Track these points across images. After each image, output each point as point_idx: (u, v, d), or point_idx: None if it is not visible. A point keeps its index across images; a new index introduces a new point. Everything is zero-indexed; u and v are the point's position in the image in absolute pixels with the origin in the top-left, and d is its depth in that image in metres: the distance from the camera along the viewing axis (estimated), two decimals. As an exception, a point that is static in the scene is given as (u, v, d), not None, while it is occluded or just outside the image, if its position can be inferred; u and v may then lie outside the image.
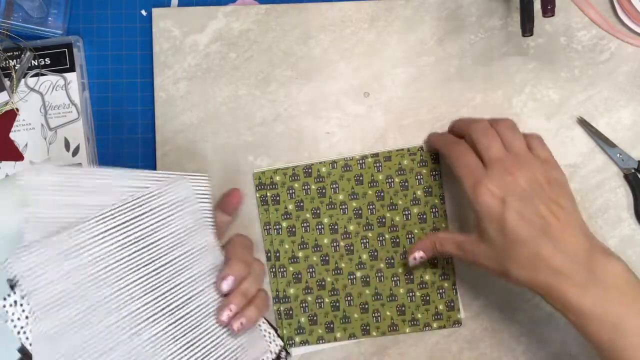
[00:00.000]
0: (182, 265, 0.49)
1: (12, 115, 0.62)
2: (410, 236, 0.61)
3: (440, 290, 0.61)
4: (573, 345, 0.61)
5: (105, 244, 0.46)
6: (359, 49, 0.64)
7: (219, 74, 0.64)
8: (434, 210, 0.61)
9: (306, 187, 0.61)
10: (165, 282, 0.48)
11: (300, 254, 0.60)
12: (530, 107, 0.64)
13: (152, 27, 0.64)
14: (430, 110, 0.64)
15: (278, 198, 0.61)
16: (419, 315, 0.60)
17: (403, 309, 0.61)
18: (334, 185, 0.61)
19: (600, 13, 0.65)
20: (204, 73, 0.64)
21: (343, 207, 0.61)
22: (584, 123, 0.64)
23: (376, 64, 0.64)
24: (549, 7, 0.58)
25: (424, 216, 0.61)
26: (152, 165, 0.63)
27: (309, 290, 0.60)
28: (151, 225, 0.48)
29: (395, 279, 0.61)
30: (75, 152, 0.62)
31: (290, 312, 0.60)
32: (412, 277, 0.61)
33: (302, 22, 0.64)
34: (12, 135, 0.62)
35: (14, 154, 0.62)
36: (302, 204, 0.61)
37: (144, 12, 0.65)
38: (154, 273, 0.48)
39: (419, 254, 0.57)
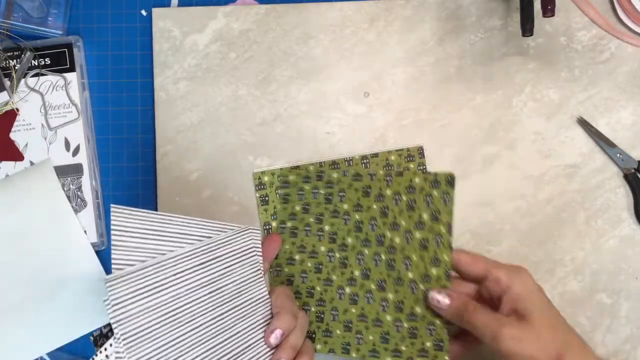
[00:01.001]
0: (243, 313, 0.50)
1: (12, 115, 0.62)
2: (407, 261, 0.56)
3: (430, 327, 0.55)
4: (573, 345, 0.61)
5: (183, 283, 0.47)
6: (359, 49, 0.64)
7: (219, 74, 0.64)
8: (437, 238, 0.55)
9: (315, 190, 0.59)
10: (228, 329, 0.49)
11: (297, 257, 0.59)
12: (530, 107, 0.64)
13: (152, 27, 0.64)
14: (430, 110, 0.64)
15: (267, 198, 0.61)
16: (403, 348, 0.55)
17: (387, 337, 0.56)
18: (341, 194, 0.58)
19: (600, 13, 0.65)
20: (204, 73, 0.64)
21: (346, 217, 0.58)
22: (584, 123, 0.64)
23: (376, 64, 0.64)
24: (549, 7, 0.58)
25: (426, 243, 0.55)
26: (152, 165, 0.63)
27: (298, 296, 0.59)
28: (220, 270, 0.49)
29: (384, 303, 0.56)
30: (75, 152, 0.62)
31: None
32: (402, 305, 0.56)
33: (302, 22, 0.64)
34: (12, 135, 0.62)
35: (14, 154, 0.62)
36: (308, 207, 0.59)
37: (144, 12, 0.65)
38: (219, 318, 0.49)
39: (443, 298, 0.52)
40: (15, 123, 0.62)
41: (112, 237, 0.45)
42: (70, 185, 0.62)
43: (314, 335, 0.58)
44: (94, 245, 0.61)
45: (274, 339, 0.50)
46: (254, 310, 0.51)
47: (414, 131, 0.63)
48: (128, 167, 0.63)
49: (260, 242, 0.52)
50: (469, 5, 0.65)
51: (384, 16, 0.65)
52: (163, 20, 0.64)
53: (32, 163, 0.62)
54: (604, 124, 0.64)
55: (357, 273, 0.58)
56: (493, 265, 0.51)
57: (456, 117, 0.64)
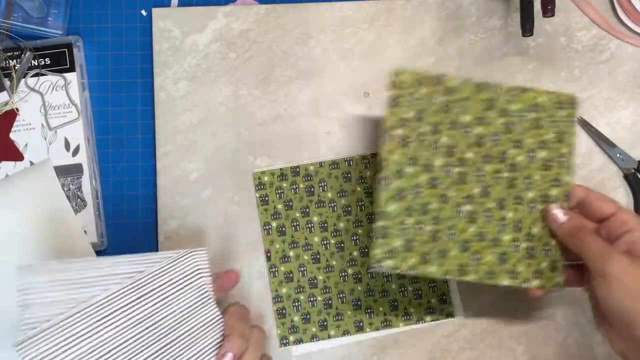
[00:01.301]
0: (192, 339, 0.49)
1: (12, 115, 0.62)
2: (529, 181, 0.55)
3: (546, 247, 0.54)
4: (573, 346, 0.61)
5: (112, 325, 0.47)
6: (359, 49, 0.64)
7: (219, 74, 0.64)
8: (561, 159, 0.55)
9: (294, 186, 0.61)
10: (176, 358, 0.49)
11: (291, 253, 0.61)
12: (530, 107, 0.64)
13: (152, 27, 0.64)
14: (430, 110, 0.64)
15: (267, 198, 0.61)
16: (520, 269, 0.54)
17: (396, 304, 0.60)
18: (322, 184, 0.61)
19: (600, 13, 0.65)
20: (204, 73, 0.64)
21: (332, 205, 0.61)
22: (584, 123, 0.64)
23: (376, 64, 0.64)
24: (549, 7, 0.58)
25: (550, 163, 0.55)
26: (152, 166, 0.63)
27: (301, 289, 0.60)
28: (157, 302, 0.49)
29: (503, 223, 0.54)
30: (75, 152, 0.62)
31: (284, 311, 0.60)
32: (520, 225, 0.54)
33: (302, 22, 0.64)
34: (12, 135, 0.62)
35: (14, 154, 0.62)
36: (291, 204, 0.61)
37: (144, 12, 0.65)
38: (160, 352, 0.48)
39: (561, 215, 0.52)
40: (15, 123, 0.62)
41: (20, 298, 0.45)
42: (70, 185, 0.62)
43: (325, 323, 0.60)
44: (94, 245, 0.61)
45: None
46: (206, 333, 0.50)
47: (414, 131, 0.63)
48: (128, 167, 0.63)
49: (206, 261, 0.51)
50: (469, 5, 0.65)
51: (384, 16, 0.65)
52: (163, 20, 0.64)
53: (32, 163, 0.62)
54: (604, 124, 0.64)
55: (355, 253, 0.60)
56: (621, 206, 0.51)
57: (456, 117, 0.64)
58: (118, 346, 0.46)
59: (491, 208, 0.54)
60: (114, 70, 0.64)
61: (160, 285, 0.49)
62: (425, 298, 0.61)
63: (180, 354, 0.49)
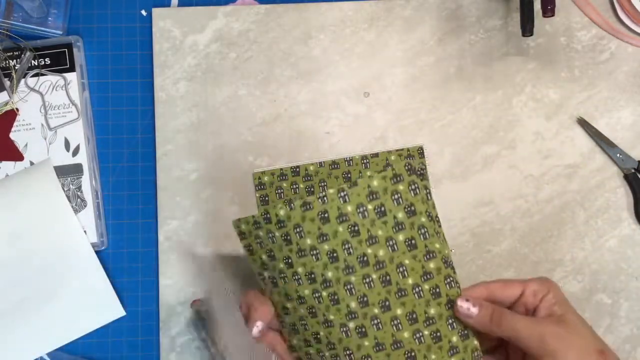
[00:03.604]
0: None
1: (12, 115, 0.62)
2: (402, 269, 0.49)
3: (449, 321, 0.50)
4: (573, 345, 0.61)
5: None
6: (359, 49, 0.64)
7: (219, 74, 0.64)
8: (422, 231, 0.49)
9: (294, 186, 0.58)
10: None
11: (288, 305, 0.50)
12: (530, 107, 0.64)
13: (152, 27, 0.64)
14: (430, 110, 0.64)
15: (267, 198, 0.59)
16: (433, 357, 0.49)
17: (413, 354, 0.49)
18: (323, 184, 0.58)
19: (600, 13, 0.65)
20: (204, 73, 0.64)
21: (314, 252, 0.49)
22: (584, 123, 0.64)
23: (376, 64, 0.64)
24: (549, 7, 0.58)
25: (413, 241, 0.49)
26: (152, 166, 0.63)
27: (308, 343, 0.51)
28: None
29: (395, 322, 0.49)
30: (75, 152, 0.62)
31: None
32: (414, 315, 0.49)
33: (302, 22, 0.64)
34: (12, 135, 0.62)
35: (14, 154, 0.62)
36: (272, 254, 0.50)
37: (144, 12, 0.65)
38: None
39: (471, 307, 0.49)
40: (15, 123, 0.62)
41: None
42: (70, 185, 0.62)
43: None
44: (94, 245, 0.61)
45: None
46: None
47: (414, 131, 0.63)
48: (128, 167, 0.63)
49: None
50: (469, 5, 0.65)
51: (384, 16, 0.65)
52: (163, 20, 0.64)
53: (32, 163, 0.62)
54: (604, 124, 0.64)
55: (353, 304, 0.49)
56: (525, 281, 0.50)
57: (456, 117, 0.64)
58: None
59: (377, 314, 0.49)
60: (114, 70, 0.64)
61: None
62: (446, 339, 0.50)
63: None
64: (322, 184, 0.62)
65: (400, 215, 0.48)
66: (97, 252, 0.61)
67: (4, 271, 0.60)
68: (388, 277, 0.49)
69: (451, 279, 0.50)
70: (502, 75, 0.64)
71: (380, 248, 0.49)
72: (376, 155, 0.61)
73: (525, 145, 0.64)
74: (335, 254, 0.48)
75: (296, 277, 0.49)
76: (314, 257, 0.49)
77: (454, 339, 0.50)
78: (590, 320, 0.61)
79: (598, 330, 0.61)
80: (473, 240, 0.62)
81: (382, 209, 0.48)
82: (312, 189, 0.62)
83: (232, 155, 0.63)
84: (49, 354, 0.60)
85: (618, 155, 0.63)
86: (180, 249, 0.61)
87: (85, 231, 0.61)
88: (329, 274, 0.49)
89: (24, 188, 0.61)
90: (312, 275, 0.49)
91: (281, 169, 0.62)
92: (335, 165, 0.62)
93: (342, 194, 0.48)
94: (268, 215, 0.49)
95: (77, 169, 0.62)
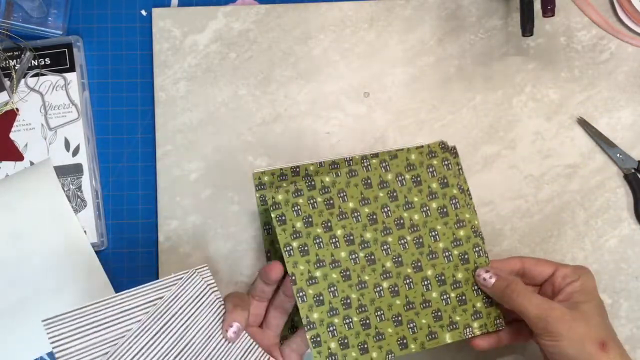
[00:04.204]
0: (219, 355, 0.50)
1: (12, 115, 0.62)
2: (434, 233, 0.56)
3: (475, 287, 0.55)
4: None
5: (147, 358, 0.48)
6: (359, 49, 0.64)
7: (219, 74, 0.64)
8: (453, 201, 0.57)
9: (312, 200, 0.55)
10: None
11: (317, 274, 0.53)
12: (530, 107, 0.64)
13: (152, 27, 0.64)
14: (430, 110, 0.64)
15: (284, 217, 0.54)
16: (457, 318, 0.55)
17: (439, 313, 0.55)
18: (342, 194, 0.56)
19: (600, 13, 0.65)
20: (204, 73, 0.64)
21: (355, 214, 0.55)
22: (584, 123, 0.64)
23: (376, 64, 0.64)
24: (549, 7, 0.58)
25: (445, 209, 0.56)
26: (152, 166, 0.63)
27: (335, 312, 0.53)
28: (180, 328, 0.49)
29: (425, 282, 0.55)
30: (75, 152, 0.62)
31: (318, 338, 0.53)
32: (443, 277, 0.55)
33: (302, 22, 0.64)
34: (12, 135, 0.62)
35: (14, 154, 0.62)
36: (310, 219, 0.55)
37: (144, 12, 0.65)
38: None
39: (488, 277, 0.54)
40: (15, 123, 0.62)
41: (53, 350, 0.45)
42: (70, 185, 0.62)
43: (365, 345, 0.53)
44: (94, 245, 0.61)
45: (231, 332, 0.50)
46: (232, 346, 0.51)
47: (414, 131, 0.63)
48: (128, 167, 0.63)
49: (210, 276, 0.52)
50: (469, 5, 0.65)
51: (384, 16, 0.65)
52: (163, 20, 0.64)
53: (32, 163, 0.62)
54: (604, 124, 0.64)
55: (388, 264, 0.55)
56: (560, 264, 0.54)
57: (456, 117, 0.64)
58: None
59: (409, 274, 0.55)
60: (114, 70, 0.64)
61: (179, 308, 0.50)
62: (470, 303, 0.55)
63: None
64: (342, 194, 0.60)
65: (434, 185, 0.57)
66: (97, 252, 0.61)
67: (4, 271, 0.60)
68: (421, 240, 0.56)
69: (479, 247, 0.56)
70: (502, 75, 0.64)
71: (415, 213, 0.56)
72: (395, 156, 0.60)
73: (525, 145, 0.64)
74: (374, 216, 0.55)
75: (334, 240, 0.54)
76: (354, 219, 0.55)
77: (479, 304, 0.55)
78: (590, 320, 0.61)
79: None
80: (473, 240, 0.62)
81: (418, 179, 0.57)
82: (312, 183, 0.61)
83: (232, 155, 0.63)
84: (49, 354, 0.60)
85: (618, 155, 0.63)
86: (180, 249, 0.61)
87: (85, 231, 0.61)
88: (368, 235, 0.55)
89: (24, 188, 0.61)
90: (351, 237, 0.55)
91: (281, 169, 0.62)
92: (335, 165, 0.62)
93: (383, 164, 0.57)
94: (313, 183, 0.56)
95: (77, 169, 0.62)
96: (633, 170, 0.63)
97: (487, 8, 0.65)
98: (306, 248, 0.54)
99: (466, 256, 0.56)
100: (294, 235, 0.54)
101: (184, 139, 0.63)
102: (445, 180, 0.57)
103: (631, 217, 0.63)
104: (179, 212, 0.62)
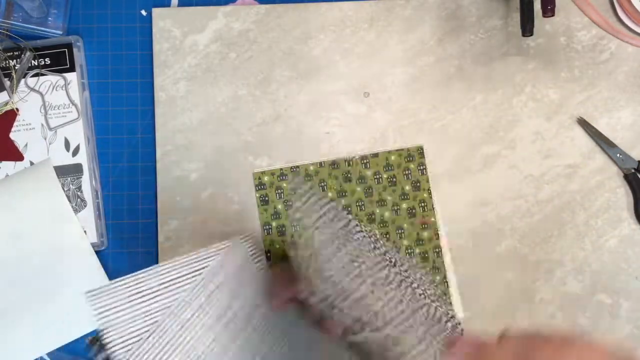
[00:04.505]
0: (268, 323, 0.50)
1: (12, 115, 0.62)
2: (400, 231, 0.62)
3: (433, 284, 0.58)
4: (573, 345, 0.61)
5: (195, 328, 0.47)
6: (359, 49, 0.64)
7: (219, 74, 0.64)
8: (422, 204, 0.62)
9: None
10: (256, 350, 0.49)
11: (292, 254, 0.58)
12: (530, 107, 0.64)
13: (152, 27, 0.64)
14: (430, 110, 0.64)
15: (267, 198, 0.61)
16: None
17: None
18: (322, 184, 0.62)
19: (600, 13, 0.65)
20: (204, 73, 0.64)
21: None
22: (584, 123, 0.64)
23: (376, 64, 0.64)
24: (549, 7, 0.58)
25: (413, 210, 0.62)
26: (152, 166, 0.63)
27: None
28: (226, 298, 0.49)
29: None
30: (75, 152, 0.62)
31: None
32: None
33: (302, 22, 0.64)
34: (12, 135, 0.62)
35: (14, 154, 0.62)
36: (291, 204, 0.61)
37: (144, 12, 0.65)
38: (246, 340, 0.48)
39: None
40: (15, 123, 0.62)
41: (98, 321, 0.44)
42: (70, 185, 0.62)
43: None
44: (94, 245, 0.61)
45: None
46: (277, 318, 0.50)
47: (414, 131, 0.63)
48: (128, 167, 0.63)
49: (253, 246, 0.51)
50: (469, 5, 0.65)
51: (384, 16, 0.65)
52: (163, 20, 0.64)
53: (32, 163, 0.62)
54: (604, 124, 0.64)
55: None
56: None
57: (456, 117, 0.64)
58: (204, 346, 0.47)
59: None
60: (114, 70, 0.64)
61: (224, 278, 0.49)
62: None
63: (262, 342, 0.49)
64: (322, 184, 0.62)
65: (407, 187, 0.62)
66: (97, 252, 0.61)
67: (4, 271, 0.60)
68: (388, 235, 0.62)
69: (439, 249, 0.62)
70: (502, 75, 0.64)
71: (387, 210, 0.62)
72: (376, 155, 0.62)
73: (525, 145, 0.64)
74: (349, 209, 0.61)
75: None
76: None
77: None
78: (591, 320, 0.61)
79: (598, 330, 0.61)
80: (473, 240, 0.62)
81: (394, 179, 0.62)
82: (297, 170, 0.62)
83: (232, 155, 0.63)
84: (49, 354, 0.60)
85: (618, 155, 0.63)
86: (180, 249, 0.61)
87: (85, 231, 0.61)
88: None
89: (24, 188, 0.61)
90: None
91: (281, 169, 0.62)
92: (335, 165, 0.62)
93: (364, 161, 0.62)
94: (297, 170, 0.61)
95: (77, 169, 0.62)
96: (633, 170, 0.63)
97: (487, 8, 0.65)
98: (284, 229, 0.60)
99: (426, 255, 0.62)
100: (274, 216, 0.61)
101: (184, 139, 0.63)
102: (418, 184, 0.62)
103: (631, 217, 0.63)
104: (179, 212, 0.62)
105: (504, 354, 0.38)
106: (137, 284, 0.46)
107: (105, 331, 0.45)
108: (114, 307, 0.45)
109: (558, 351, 0.36)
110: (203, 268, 0.49)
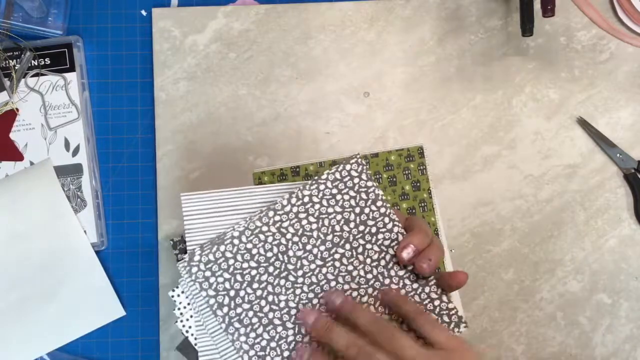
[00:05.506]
0: (368, 239, 0.48)
1: (12, 115, 0.62)
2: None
3: (434, 287, 0.59)
4: (573, 346, 0.61)
5: (288, 233, 0.47)
6: (359, 49, 0.64)
7: (219, 74, 0.64)
8: (422, 204, 0.61)
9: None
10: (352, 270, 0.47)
11: None
12: (530, 107, 0.64)
13: (152, 27, 0.64)
14: (430, 110, 0.64)
15: None
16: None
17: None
18: None
19: (600, 13, 0.65)
20: (204, 73, 0.64)
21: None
22: (584, 123, 0.64)
23: (376, 64, 0.64)
24: (549, 7, 0.58)
25: (413, 210, 0.61)
26: (152, 165, 0.63)
27: None
28: (326, 208, 0.48)
29: None
30: (75, 152, 0.62)
31: None
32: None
33: (302, 22, 0.64)
34: (12, 135, 0.62)
35: (14, 154, 0.62)
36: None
37: (144, 12, 0.65)
38: (346, 253, 0.47)
39: (410, 249, 0.47)
40: (15, 123, 0.62)
41: (184, 223, 0.46)
42: (70, 185, 0.62)
43: None
44: (94, 245, 0.61)
45: (405, 254, 0.46)
46: (381, 230, 0.48)
47: (414, 131, 0.63)
48: (128, 167, 0.63)
49: (363, 165, 0.49)
50: (469, 5, 0.65)
51: (384, 16, 0.65)
52: (163, 20, 0.64)
53: (32, 163, 0.62)
54: (604, 124, 0.64)
55: None
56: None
57: (456, 117, 0.64)
58: (298, 257, 0.47)
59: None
60: (114, 70, 0.64)
61: (329, 190, 0.48)
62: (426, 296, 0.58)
63: (363, 253, 0.48)
64: (306, 172, 0.62)
65: (407, 187, 0.61)
66: (97, 252, 0.61)
67: (4, 271, 0.60)
68: None
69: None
70: (502, 75, 0.64)
71: None
72: (376, 155, 0.62)
73: (525, 145, 0.64)
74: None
75: None
76: None
77: (437, 302, 0.55)
78: (591, 320, 0.61)
79: (598, 330, 0.61)
80: (473, 240, 0.62)
81: (394, 179, 0.61)
82: (297, 170, 0.61)
83: (232, 155, 0.63)
84: (49, 354, 0.60)
85: (618, 155, 0.63)
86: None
87: (85, 231, 0.61)
88: None
89: (24, 188, 0.61)
90: None
91: (281, 169, 0.62)
92: (323, 164, 0.62)
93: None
94: (297, 169, 0.60)
95: (77, 169, 0.62)
96: (633, 170, 0.63)
97: (487, 8, 0.65)
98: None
99: None
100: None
101: (184, 139, 0.63)
102: (418, 184, 0.61)
103: (631, 217, 0.63)
104: (179, 212, 0.62)
105: None
106: (232, 197, 0.47)
107: (188, 234, 0.46)
108: (201, 213, 0.47)
109: None
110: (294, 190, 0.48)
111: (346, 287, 0.47)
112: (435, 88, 0.64)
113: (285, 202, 0.48)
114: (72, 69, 0.62)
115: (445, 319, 0.47)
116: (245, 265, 0.46)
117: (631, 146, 0.63)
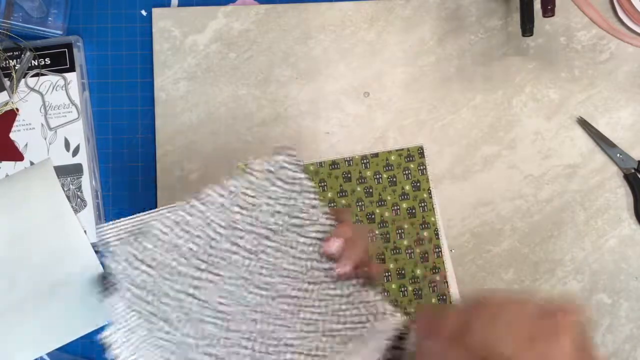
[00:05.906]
0: (295, 233, 0.46)
1: (12, 115, 0.62)
2: (400, 231, 0.62)
3: (432, 284, 0.61)
4: (573, 345, 0.61)
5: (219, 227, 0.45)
6: (359, 49, 0.64)
7: (219, 74, 0.64)
8: (422, 204, 0.62)
9: None
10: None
11: None
12: (530, 107, 0.64)
13: (152, 27, 0.64)
14: (430, 110, 0.64)
15: None
16: (412, 310, 0.61)
17: (396, 304, 0.60)
18: (322, 184, 0.62)
19: (600, 13, 0.65)
20: (204, 73, 0.64)
21: (332, 205, 0.61)
22: (584, 123, 0.64)
23: (376, 64, 0.64)
24: (549, 7, 0.58)
25: (413, 210, 0.62)
26: (152, 165, 0.63)
27: None
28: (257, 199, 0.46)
29: (387, 274, 0.61)
30: (75, 152, 0.62)
31: None
32: (404, 272, 0.61)
33: (302, 22, 0.64)
34: (12, 135, 0.62)
35: (14, 154, 0.62)
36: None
37: (144, 12, 0.65)
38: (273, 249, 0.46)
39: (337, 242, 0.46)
40: (15, 123, 0.62)
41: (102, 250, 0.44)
42: (70, 185, 0.62)
43: None
44: (94, 245, 0.61)
45: (334, 248, 0.45)
46: (311, 224, 0.46)
47: (414, 131, 0.63)
48: (128, 167, 0.63)
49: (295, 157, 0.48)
50: (469, 5, 0.65)
51: (384, 16, 0.65)
52: (163, 20, 0.64)
53: (32, 163, 0.62)
54: (604, 124, 0.64)
55: None
56: None
57: (456, 117, 0.64)
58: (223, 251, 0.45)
59: None
60: (114, 70, 0.64)
61: (259, 181, 0.46)
62: (426, 297, 0.61)
63: (294, 245, 0.46)
64: (322, 184, 0.62)
65: (407, 187, 0.62)
66: (97, 252, 0.61)
67: (4, 271, 0.60)
68: (388, 236, 0.62)
69: (439, 249, 0.62)
70: (502, 75, 0.64)
71: (386, 210, 0.62)
72: (376, 155, 0.62)
73: (525, 145, 0.64)
74: (349, 207, 0.61)
75: None
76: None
77: (433, 300, 0.61)
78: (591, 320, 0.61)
79: (598, 330, 0.61)
80: (473, 240, 0.62)
81: (394, 179, 0.62)
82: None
83: (232, 155, 0.63)
84: (49, 354, 0.60)
85: (618, 155, 0.63)
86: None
87: (85, 231, 0.61)
88: None
89: (24, 188, 0.61)
90: None
91: (281, 169, 0.62)
92: (335, 165, 0.62)
93: (364, 161, 0.62)
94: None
95: (77, 169, 0.62)
96: (633, 170, 0.63)
97: (487, 8, 0.65)
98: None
99: (426, 255, 0.62)
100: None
101: (184, 139, 0.63)
102: (418, 184, 0.62)
103: (631, 217, 0.63)
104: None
105: (451, 323, 0.39)
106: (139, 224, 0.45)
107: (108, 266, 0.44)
108: (115, 243, 0.45)
109: (493, 316, 0.38)
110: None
111: (276, 279, 0.45)
112: (435, 88, 0.64)
113: (211, 192, 0.45)
114: (72, 69, 0.62)
115: (378, 309, 0.45)
116: (170, 258, 0.44)
117: (631, 146, 0.63)
